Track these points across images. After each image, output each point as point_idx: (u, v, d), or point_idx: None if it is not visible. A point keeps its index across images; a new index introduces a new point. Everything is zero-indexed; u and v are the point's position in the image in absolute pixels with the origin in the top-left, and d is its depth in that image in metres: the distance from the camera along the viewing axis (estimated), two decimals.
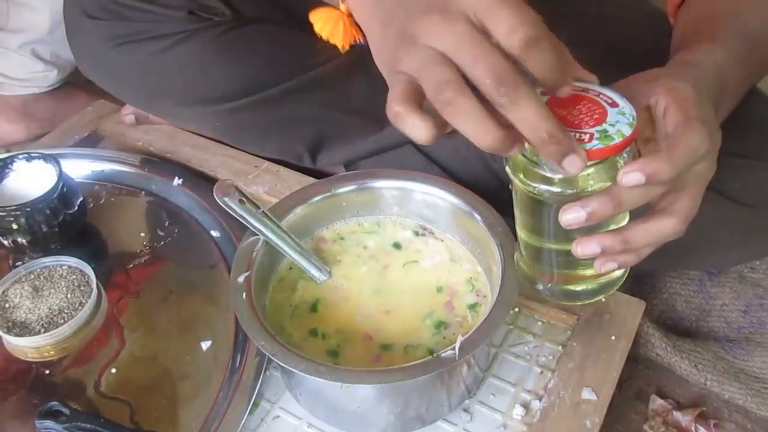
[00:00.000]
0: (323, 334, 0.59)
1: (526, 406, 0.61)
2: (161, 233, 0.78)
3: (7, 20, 1.00)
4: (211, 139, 0.89)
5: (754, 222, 0.71)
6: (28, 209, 0.70)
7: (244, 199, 0.59)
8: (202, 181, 0.83)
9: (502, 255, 0.59)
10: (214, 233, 0.77)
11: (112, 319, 0.69)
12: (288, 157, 0.85)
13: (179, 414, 0.61)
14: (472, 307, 0.61)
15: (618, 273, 0.53)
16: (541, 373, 0.64)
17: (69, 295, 0.69)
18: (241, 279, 0.59)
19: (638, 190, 0.44)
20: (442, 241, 0.66)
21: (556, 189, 0.46)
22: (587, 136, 0.43)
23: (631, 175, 0.43)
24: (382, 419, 0.59)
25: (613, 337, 0.65)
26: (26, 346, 0.66)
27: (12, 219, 0.70)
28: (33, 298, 0.68)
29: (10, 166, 0.75)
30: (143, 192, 0.84)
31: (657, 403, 0.70)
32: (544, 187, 0.46)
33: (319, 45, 0.81)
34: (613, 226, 0.48)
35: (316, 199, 0.66)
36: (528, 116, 0.40)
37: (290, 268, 0.64)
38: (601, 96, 0.46)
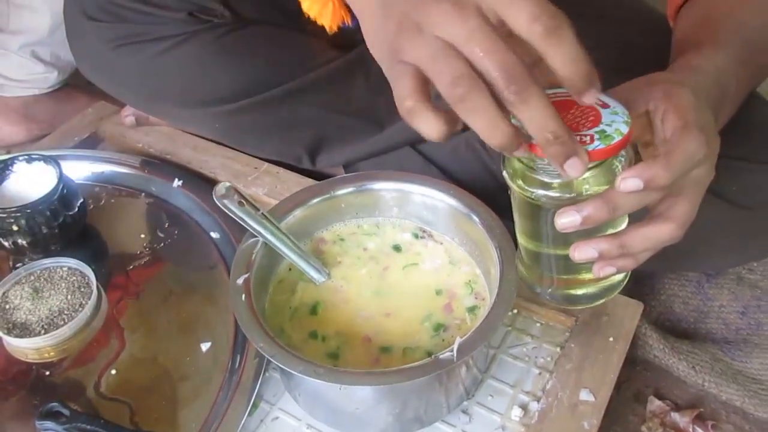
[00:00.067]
0: (323, 337, 0.60)
1: (524, 407, 0.61)
2: (161, 235, 0.78)
3: (7, 22, 1.00)
4: (211, 140, 0.90)
5: (752, 224, 0.71)
6: (29, 211, 0.70)
7: (244, 201, 0.59)
8: (201, 183, 0.83)
9: (500, 257, 0.59)
10: (214, 235, 0.78)
11: (112, 321, 0.69)
12: (287, 158, 0.85)
13: (179, 415, 0.62)
14: (471, 309, 0.61)
15: (618, 277, 0.53)
16: (540, 374, 0.64)
17: (69, 297, 0.69)
18: (240, 281, 0.59)
19: (634, 195, 0.44)
20: (441, 243, 0.67)
21: (553, 194, 0.46)
22: (588, 137, 0.43)
23: (629, 181, 0.43)
24: (380, 420, 0.59)
25: (611, 339, 0.65)
26: (26, 348, 0.66)
27: (12, 220, 0.70)
28: (33, 299, 0.68)
29: (10, 167, 0.75)
30: (143, 193, 0.84)
31: (655, 404, 0.70)
32: (541, 192, 0.46)
33: (318, 47, 0.82)
34: (610, 231, 0.48)
35: (316, 200, 0.67)
36: (536, 115, 0.40)
37: (290, 269, 0.65)
38: None
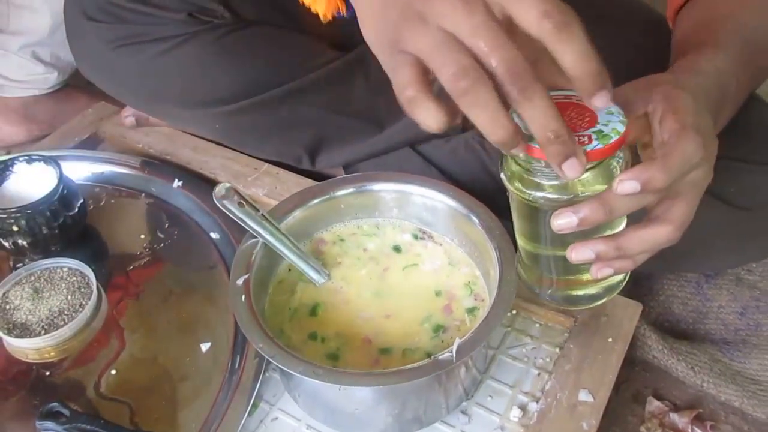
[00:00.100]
0: (323, 338, 0.60)
1: (523, 408, 0.62)
2: (161, 235, 0.79)
3: (7, 22, 1.00)
4: (211, 141, 0.90)
5: (751, 225, 0.71)
6: (29, 211, 0.70)
7: (244, 202, 0.59)
8: (201, 183, 0.84)
9: (499, 258, 0.59)
10: (214, 235, 0.78)
11: (112, 321, 0.69)
12: (287, 159, 0.85)
13: (179, 415, 0.62)
14: (471, 311, 0.61)
15: (618, 277, 0.53)
16: (539, 375, 0.64)
17: (69, 297, 0.69)
18: (240, 281, 0.59)
19: (630, 197, 0.44)
20: (441, 245, 0.67)
21: (551, 195, 0.46)
22: (585, 138, 0.43)
23: (626, 183, 0.43)
24: (380, 421, 0.59)
25: (610, 340, 0.65)
26: (27, 348, 0.66)
27: (13, 221, 0.70)
28: (33, 299, 0.68)
29: (10, 168, 0.75)
30: (143, 194, 0.84)
31: (654, 405, 0.70)
32: (539, 194, 0.46)
33: (318, 47, 0.82)
34: (608, 232, 0.48)
35: (315, 201, 0.67)
36: (539, 113, 0.40)
37: (289, 270, 0.65)
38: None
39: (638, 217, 0.48)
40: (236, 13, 0.78)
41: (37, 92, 1.04)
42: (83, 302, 0.68)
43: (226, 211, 0.59)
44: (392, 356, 0.58)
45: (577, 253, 0.47)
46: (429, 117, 0.41)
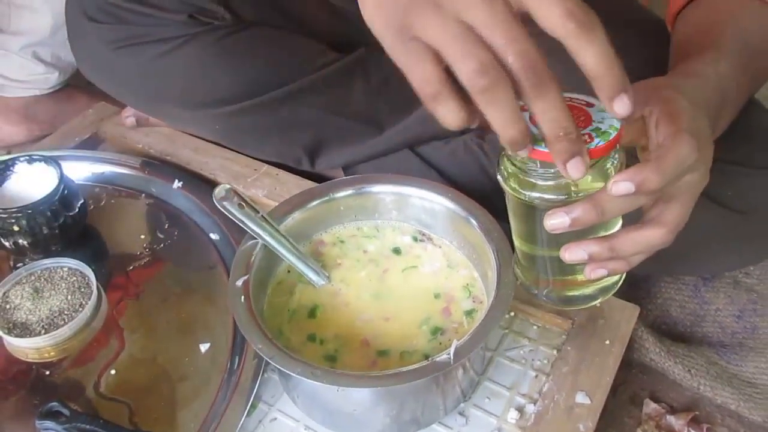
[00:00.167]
0: (321, 340, 0.60)
1: (520, 409, 0.62)
2: (161, 235, 0.79)
3: (8, 22, 1.01)
4: (211, 141, 0.90)
5: (747, 228, 0.71)
6: (29, 211, 0.71)
7: (243, 203, 0.59)
8: (201, 184, 0.84)
9: (497, 260, 0.59)
10: (214, 236, 0.78)
11: (111, 321, 0.70)
12: (287, 160, 0.86)
13: (178, 415, 0.62)
14: (469, 313, 0.61)
15: (613, 278, 0.54)
16: (536, 377, 0.64)
17: (69, 297, 0.69)
18: (239, 282, 0.59)
19: (624, 198, 0.44)
20: (440, 247, 0.67)
21: (546, 195, 0.46)
22: (586, 136, 0.44)
23: (620, 185, 0.43)
24: (378, 422, 0.59)
25: (607, 342, 0.66)
26: (26, 347, 0.67)
27: (13, 221, 0.70)
28: (33, 299, 0.69)
29: (11, 168, 0.75)
30: (143, 194, 0.84)
31: (650, 407, 0.70)
32: (535, 194, 0.47)
33: (318, 49, 0.82)
34: (603, 233, 0.49)
35: (315, 203, 0.67)
36: (551, 108, 0.40)
37: (288, 271, 0.65)
38: (574, 100, 0.47)
39: (634, 219, 0.48)
40: (236, 14, 0.79)
41: (37, 92, 1.04)
42: (83, 302, 0.69)
43: (226, 213, 0.59)
44: (390, 358, 0.58)
45: (570, 254, 0.47)
46: (450, 114, 0.41)
